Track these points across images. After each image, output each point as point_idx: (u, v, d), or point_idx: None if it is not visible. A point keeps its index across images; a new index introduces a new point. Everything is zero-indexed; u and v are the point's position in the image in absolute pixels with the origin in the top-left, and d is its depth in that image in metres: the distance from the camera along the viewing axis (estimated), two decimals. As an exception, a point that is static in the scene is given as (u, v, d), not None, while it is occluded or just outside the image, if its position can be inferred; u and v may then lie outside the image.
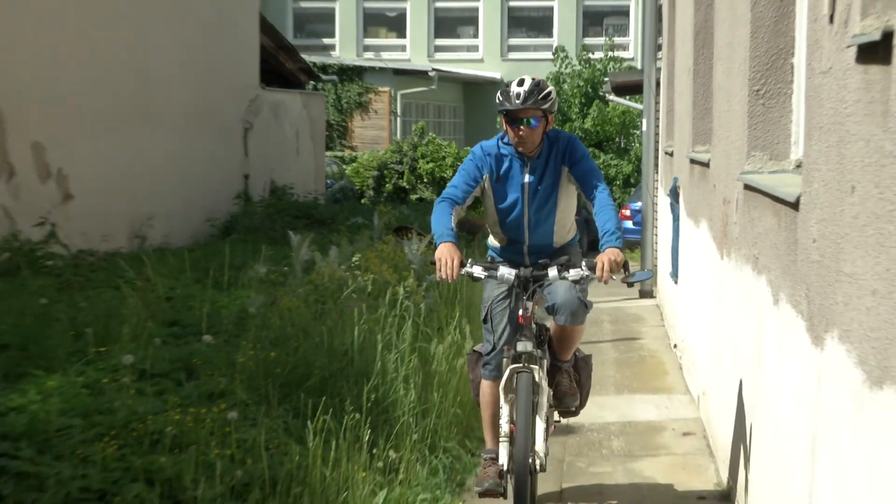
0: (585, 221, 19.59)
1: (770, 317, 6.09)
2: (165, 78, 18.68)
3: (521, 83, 7.05)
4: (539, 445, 6.72)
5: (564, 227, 7.49)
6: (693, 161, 10.72)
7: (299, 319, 10.02)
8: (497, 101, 7.19)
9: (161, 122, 18.50)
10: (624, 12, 43.59)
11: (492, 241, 7.73)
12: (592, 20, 44.20)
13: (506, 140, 7.26)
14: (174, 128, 19.01)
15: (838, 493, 4.38)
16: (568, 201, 7.41)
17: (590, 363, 7.83)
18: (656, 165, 17.22)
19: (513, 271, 6.94)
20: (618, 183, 34.31)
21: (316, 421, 7.09)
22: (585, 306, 7.08)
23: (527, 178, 7.25)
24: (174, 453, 6.58)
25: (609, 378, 11.01)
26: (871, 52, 3.78)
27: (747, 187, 6.85)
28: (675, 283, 13.07)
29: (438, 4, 44.15)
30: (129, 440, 6.66)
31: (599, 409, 7.25)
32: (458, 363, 9.04)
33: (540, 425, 6.81)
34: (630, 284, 6.34)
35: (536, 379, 6.77)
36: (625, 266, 6.55)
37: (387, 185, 33.79)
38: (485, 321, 7.40)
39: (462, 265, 6.77)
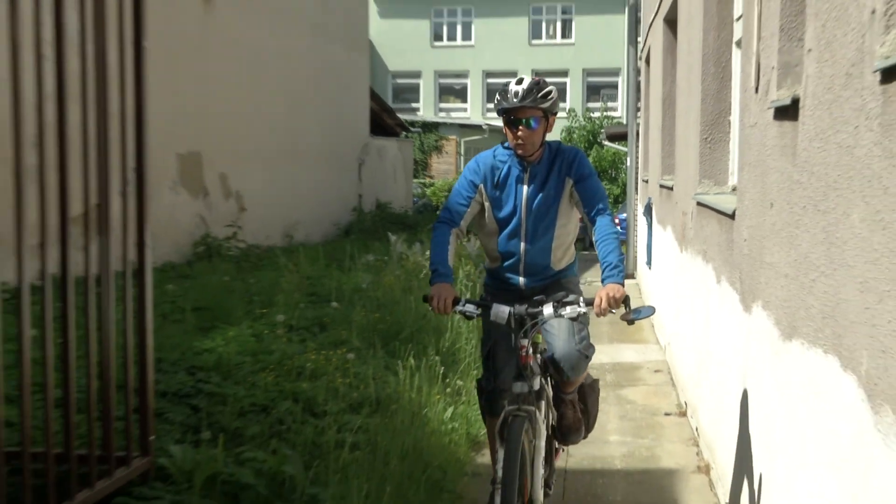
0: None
1: (714, 292, 6.05)
2: (307, 130, 18.78)
3: (519, 81, 4.95)
4: (537, 494, 4.91)
5: (562, 246, 5.22)
6: (662, 186, 10.65)
7: (395, 292, 10.05)
8: (495, 101, 5.06)
9: (304, 160, 18.61)
10: (614, 86, 43.19)
11: (487, 262, 5.49)
12: (593, 91, 43.87)
13: (506, 144, 5.13)
14: (313, 164, 19.12)
15: (761, 411, 4.34)
16: (568, 219, 5.17)
17: (597, 388, 5.76)
18: (637, 189, 17.13)
19: (506, 309, 4.75)
20: (609, 201, 33.65)
21: (406, 361, 7.13)
22: (587, 357, 5.13)
23: (526, 184, 5.04)
24: (311, 381, 6.61)
25: (604, 333, 10.91)
26: (784, 112, 3.77)
27: (699, 204, 6.80)
28: (650, 268, 13.00)
29: (490, 80, 44.03)
30: (281, 372, 6.69)
31: (597, 355, 7.15)
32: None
33: (538, 471, 4.95)
34: (631, 322, 4.74)
35: (534, 421, 4.83)
36: (625, 302, 4.64)
37: (454, 202, 33.84)
38: (486, 358, 5.30)
39: (456, 302, 4.79)
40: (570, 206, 5.06)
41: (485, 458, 6.38)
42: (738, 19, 6.31)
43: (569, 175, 4.99)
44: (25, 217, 3.81)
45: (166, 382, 6.00)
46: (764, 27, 4.38)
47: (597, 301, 4.59)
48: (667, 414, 7.65)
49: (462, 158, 40.03)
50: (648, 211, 13.31)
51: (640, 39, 16.55)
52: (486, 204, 5.02)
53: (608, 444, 6.90)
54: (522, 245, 5.05)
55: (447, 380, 7.40)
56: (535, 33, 43.33)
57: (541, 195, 4.99)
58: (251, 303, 9.55)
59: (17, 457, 3.93)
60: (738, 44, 6.15)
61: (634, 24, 17.42)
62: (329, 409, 6.08)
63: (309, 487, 4.85)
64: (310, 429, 5.69)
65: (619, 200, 31.98)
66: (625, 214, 19.24)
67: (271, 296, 9.84)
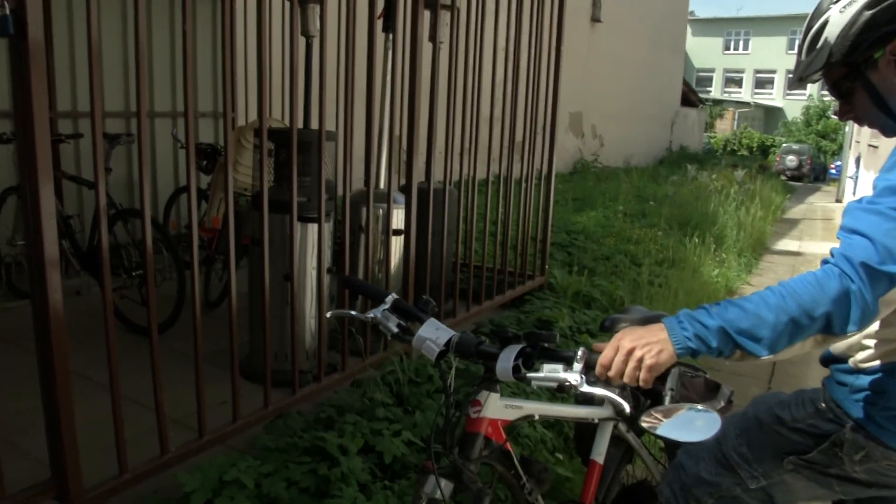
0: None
1: None
2: (644, 102, 17.37)
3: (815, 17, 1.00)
4: None
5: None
6: (870, 145, 8.64)
7: (688, 198, 9.16)
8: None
9: (640, 118, 17.34)
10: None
11: None
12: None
13: None
14: (645, 121, 17.77)
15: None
16: None
17: None
18: (850, 146, 14.16)
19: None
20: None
21: (692, 238, 6.45)
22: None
23: None
24: (635, 245, 6.20)
25: (817, 230, 9.20)
26: None
27: None
28: (854, 194, 10.82)
29: (758, 75, 37.99)
30: (618, 238, 6.36)
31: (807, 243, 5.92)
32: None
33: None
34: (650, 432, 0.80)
35: None
36: (662, 379, 1.00)
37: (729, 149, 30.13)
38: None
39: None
40: None
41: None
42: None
43: None
44: (491, 141, 3.79)
45: (555, 237, 5.89)
46: None
47: (605, 352, 1.01)
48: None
49: (736, 123, 35.25)
50: (857, 161, 11.27)
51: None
52: None
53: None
54: None
55: (716, 251, 6.61)
56: (791, 46, 36.45)
57: None
58: (603, 197, 9.13)
59: (479, 268, 4.04)
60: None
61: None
62: (644, 262, 5.67)
63: (630, 304, 4.57)
64: (633, 272, 5.36)
65: (835, 153, 26.54)
66: (840, 162, 16.04)
67: (615, 195, 9.38)
